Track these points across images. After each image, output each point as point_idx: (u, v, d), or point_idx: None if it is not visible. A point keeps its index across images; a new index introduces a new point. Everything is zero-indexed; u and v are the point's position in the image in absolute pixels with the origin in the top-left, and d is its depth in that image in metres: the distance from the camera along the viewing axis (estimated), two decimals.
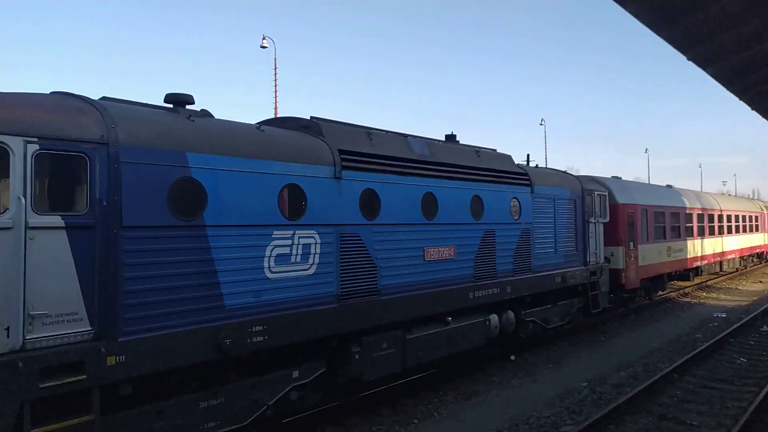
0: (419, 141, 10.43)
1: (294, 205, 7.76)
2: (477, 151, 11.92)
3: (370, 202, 8.87)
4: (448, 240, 10.35)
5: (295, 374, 7.71)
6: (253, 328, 6.93)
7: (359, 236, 8.61)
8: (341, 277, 8.27)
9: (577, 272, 14.36)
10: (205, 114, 7.52)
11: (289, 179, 7.64)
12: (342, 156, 8.44)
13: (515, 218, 12.25)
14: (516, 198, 12.32)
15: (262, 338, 7.00)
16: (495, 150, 12.98)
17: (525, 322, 12.74)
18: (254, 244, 7.14)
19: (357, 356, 8.49)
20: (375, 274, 8.83)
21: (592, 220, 15.33)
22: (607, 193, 16.58)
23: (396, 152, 9.56)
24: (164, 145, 6.37)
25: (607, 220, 16.46)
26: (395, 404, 9.68)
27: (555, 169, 16.49)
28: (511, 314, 12.13)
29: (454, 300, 10.39)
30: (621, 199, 18.07)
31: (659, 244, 20.84)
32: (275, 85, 29.02)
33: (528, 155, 15.50)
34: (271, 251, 7.33)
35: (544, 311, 13.40)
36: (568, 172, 17.70)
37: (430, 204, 9.97)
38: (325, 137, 8.55)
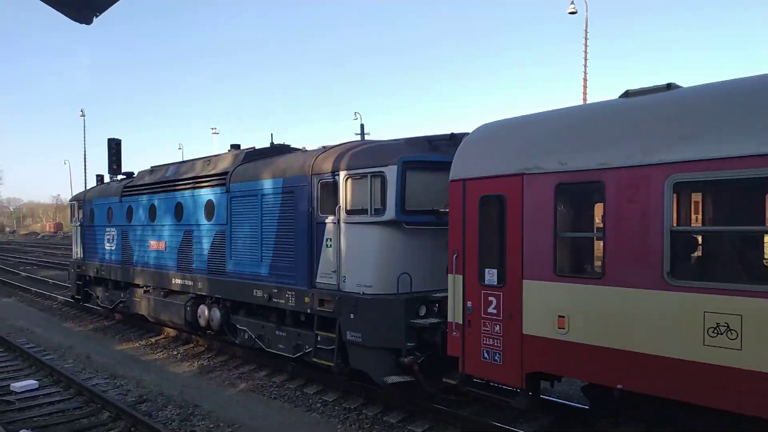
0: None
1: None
2: (208, 161, 13.17)
3: (129, 212, 15.59)
4: (162, 237, 14.14)
5: None
6: None
7: (126, 233, 15.78)
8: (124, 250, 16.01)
9: (290, 292, 10.17)
10: None
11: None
12: (123, 190, 16.06)
13: (209, 220, 12.33)
14: (212, 199, 12.29)
15: None
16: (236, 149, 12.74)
17: (237, 330, 11.99)
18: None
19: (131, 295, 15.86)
20: (130, 252, 15.53)
21: (332, 219, 9.31)
22: (397, 169, 8.40)
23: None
24: None
25: (386, 216, 8.49)
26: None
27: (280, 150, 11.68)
28: (216, 312, 12.41)
29: (165, 280, 14.03)
30: (463, 166, 7.34)
31: (637, 293, 5.51)
32: None
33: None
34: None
35: (261, 327, 11.30)
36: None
37: (152, 211, 14.55)
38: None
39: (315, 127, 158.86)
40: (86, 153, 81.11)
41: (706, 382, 5.38)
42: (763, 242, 5.92)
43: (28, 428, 8.89)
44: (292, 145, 12.50)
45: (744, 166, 5.21)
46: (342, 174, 9.29)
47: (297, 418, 9.34)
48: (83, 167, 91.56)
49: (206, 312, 12.74)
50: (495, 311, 7.21)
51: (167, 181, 14.20)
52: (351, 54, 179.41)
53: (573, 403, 8.83)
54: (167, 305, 13.98)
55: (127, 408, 9.36)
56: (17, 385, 10.83)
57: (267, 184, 10.91)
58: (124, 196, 16.16)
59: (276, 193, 10.71)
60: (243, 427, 8.91)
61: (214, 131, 63.35)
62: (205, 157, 13.81)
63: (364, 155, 9.20)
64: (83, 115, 60.52)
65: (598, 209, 6.47)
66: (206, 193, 12.66)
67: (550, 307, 6.62)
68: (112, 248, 16.78)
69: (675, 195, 5.92)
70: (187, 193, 13.34)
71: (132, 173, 17.40)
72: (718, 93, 5.92)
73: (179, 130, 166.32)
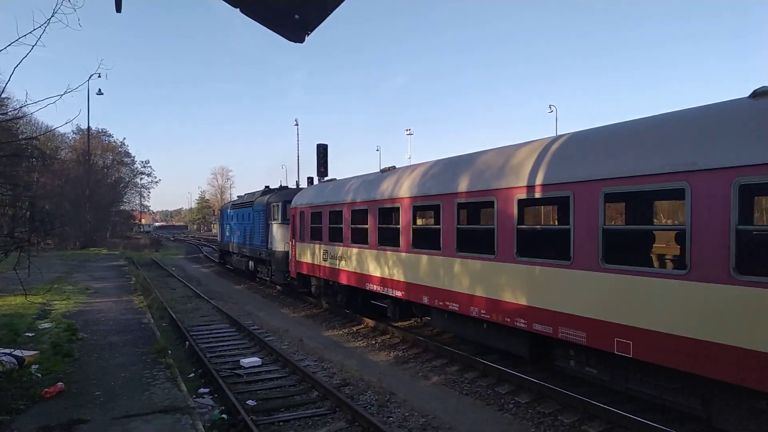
0: (246, 195, 30.22)
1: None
2: (264, 192, 28.25)
3: (231, 216, 31.56)
4: (239, 229, 29.76)
5: None
6: None
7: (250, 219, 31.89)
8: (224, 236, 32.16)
9: (263, 251, 24.82)
10: None
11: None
12: (230, 205, 32.12)
13: (249, 222, 27.49)
14: (250, 212, 27.44)
15: None
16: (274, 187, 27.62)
17: (259, 271, 27.00)
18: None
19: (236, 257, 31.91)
20: (231, 237, 31.50)
21: (271, 221, 23.67)
22: (280, 204, 22.63)
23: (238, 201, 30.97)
24: None
25: (279, 221, 22.69)
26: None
27: (270, 191, 25.12)
28: (252, 263, 27.51)
29: (240, 249, 29.61)
30: (294, 203, 21.01)
31: (314, 245, 18.88)
32: None
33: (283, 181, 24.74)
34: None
35: (263, 268, 26.10)
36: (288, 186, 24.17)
37: (242, 217, 30.23)
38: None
39: (508, 125, 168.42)
40: (299, 158, 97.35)
41: (333, 271, 18.88)
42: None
43: (253, 399, 9.70)
44: (288, 184, 27.12)
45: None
46: (272, 204, 23.74)
47: (489, 416, 9.11)
48: (297, 170, 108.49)
49: (250, 264, 28.03)
50: (293, 253, 21.07)
51: (241, 202, 29.93)
52: (550, 54, 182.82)
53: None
54: (241, 261, 29.63)
55: (333, 389, 9.81)
56: (245, 361, 12.05)
57: (259, 206, 25.75)
58: (231, 208, 32.35)
59: (261, 210, 25.47)
60: (436, 418, 8.89)
61: (408, 132, 71.65)
62: (258, 191, 29.21)
63: (276, 197, 23.62)
64: (297, 125, 72.10)
65: (316, 219, 19.98)
66: (248, 209, 27.93)
67: (302, 251, 20.36)
68: (227, 235, 33.17)
69: (301, 214, 19.39)
70: (245, 208, 28.78)
71: (242, 195, 33.43)
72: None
73: (380, 131, 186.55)
